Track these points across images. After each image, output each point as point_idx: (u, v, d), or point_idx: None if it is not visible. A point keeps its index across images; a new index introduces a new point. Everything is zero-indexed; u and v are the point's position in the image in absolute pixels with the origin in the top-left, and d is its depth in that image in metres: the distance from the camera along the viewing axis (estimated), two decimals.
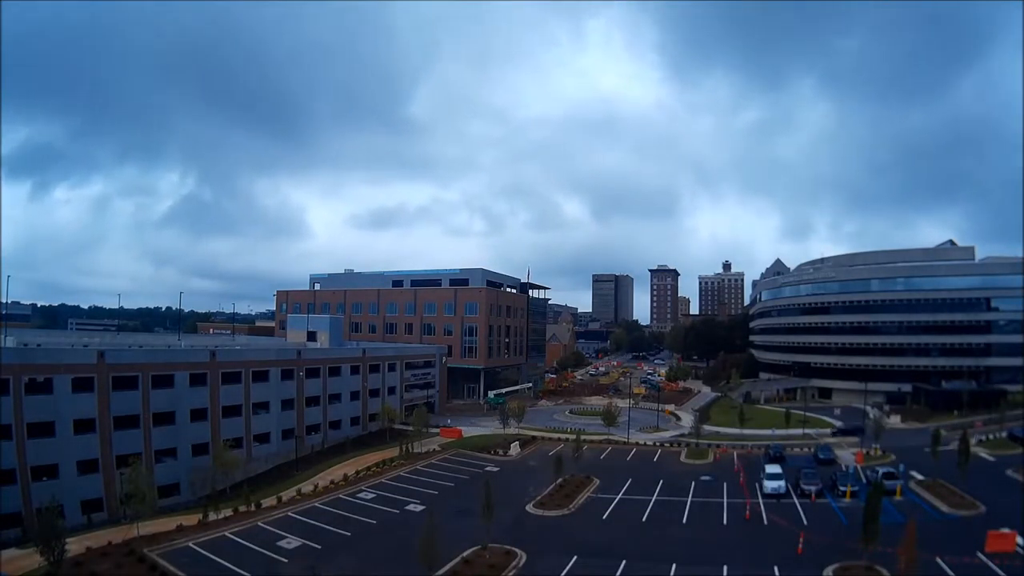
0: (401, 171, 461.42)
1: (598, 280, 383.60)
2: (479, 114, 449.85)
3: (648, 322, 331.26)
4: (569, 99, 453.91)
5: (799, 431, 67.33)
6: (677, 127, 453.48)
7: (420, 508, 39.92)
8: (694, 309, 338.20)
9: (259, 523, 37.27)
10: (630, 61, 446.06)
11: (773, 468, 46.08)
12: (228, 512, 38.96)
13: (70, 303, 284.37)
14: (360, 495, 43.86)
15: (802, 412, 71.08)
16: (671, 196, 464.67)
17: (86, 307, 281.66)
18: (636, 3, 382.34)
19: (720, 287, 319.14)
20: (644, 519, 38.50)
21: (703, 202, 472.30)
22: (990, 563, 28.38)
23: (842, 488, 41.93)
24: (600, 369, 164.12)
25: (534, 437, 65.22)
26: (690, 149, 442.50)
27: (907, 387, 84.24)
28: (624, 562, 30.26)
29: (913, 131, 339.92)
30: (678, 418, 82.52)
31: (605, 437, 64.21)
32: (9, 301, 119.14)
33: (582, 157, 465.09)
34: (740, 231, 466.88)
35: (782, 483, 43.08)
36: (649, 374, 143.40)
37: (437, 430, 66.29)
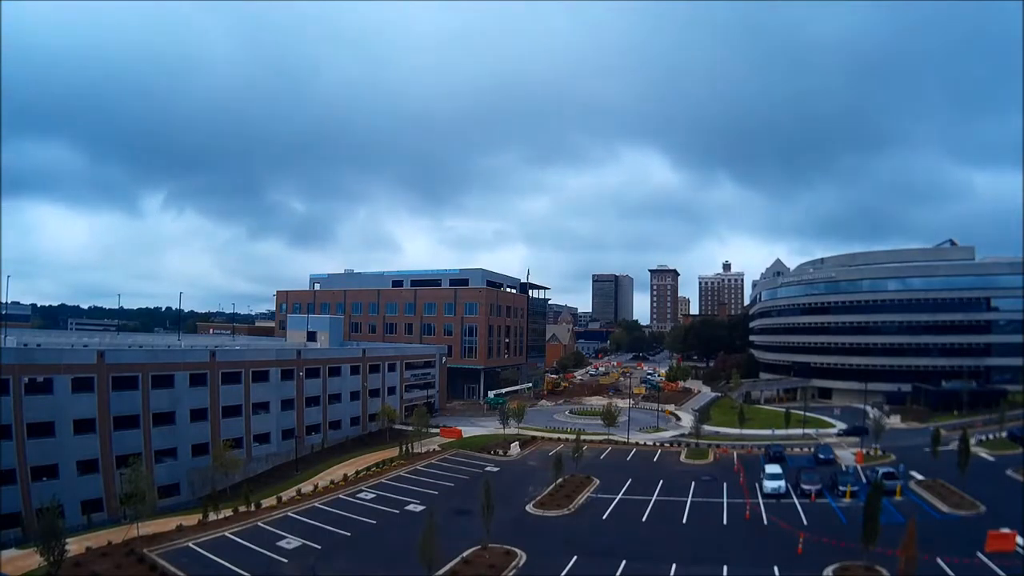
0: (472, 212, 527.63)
1: (598, 280, 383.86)
2: (537, 191, 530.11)
3: (648, 322, 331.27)
4: (604, 181, 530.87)
5: (799, 431, 67.34)
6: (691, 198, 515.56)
7: (420, 508, 39.92)
8: (694, 309, 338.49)
9: (259, 523, 37.26)
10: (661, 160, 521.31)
11: (773, 468, 46.04)
12: (228, 512, 38.92)
13: (70, 303, 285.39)
14: (360, 495, 43.85)
15: (802, 412, 71.07)
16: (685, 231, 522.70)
17: (86, 307, 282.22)
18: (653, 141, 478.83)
19: (720, 287, 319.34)
20: (644, 519, 38.48)
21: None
22: (990, 563, 28.38)
23: (842, 488, 41.89)
24: (600, 369, 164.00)
25: (534, 437, 65.20)
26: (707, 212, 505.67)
27: (907, 387, 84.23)
28: (624, 562, 30.26)
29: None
30: (678, 418, 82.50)
31: (605, 437, 64.18)
32: (9, 301, 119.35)
33: (613, 214, 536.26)
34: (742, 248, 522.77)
35: (782, 483, 43.06)
36: (649, 374, 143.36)
37: (437, 430, 66.25)
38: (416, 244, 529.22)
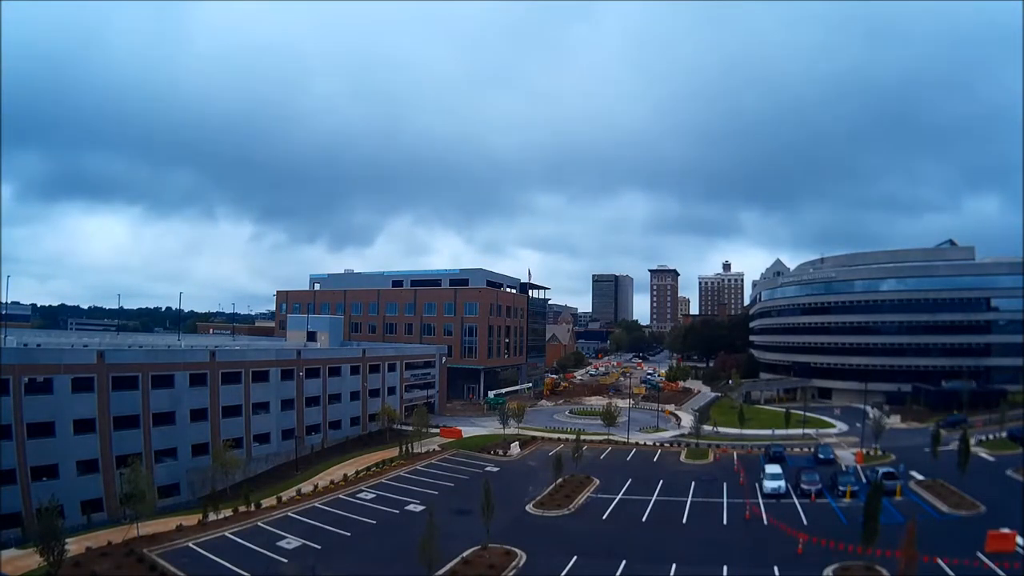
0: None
1: (598, 280, 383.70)
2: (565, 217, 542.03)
3: (648, 322, 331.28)
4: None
5: (799, 431, 67.35)
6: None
7: (420, 508, 39.90)
8: (694, 309, 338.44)
9: (259, 523, 37.27)
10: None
11: (773, 468, 46.07)
12: (228, 512, 38.92)
13: (70, 303, 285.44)
14: (360, 495, 43.87)
15: (802, 412, 71.09)
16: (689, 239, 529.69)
17: (86, 307, 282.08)
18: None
19: (720, 287, 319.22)
20: (644, 519, 38.51)
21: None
22: (990, 563, 28.38)
23: (842, 488, 41.92)
24: (600, 369, 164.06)
25: (534, 437, 65.22)
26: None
27: (907, 387, 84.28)
28: (624, 562, 30.27)
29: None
30: (678, 418, 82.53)
31: (605, 437, 64.21)
32: (9, 301, 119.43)
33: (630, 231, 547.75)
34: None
35: (782, 483, 43.10)
36: (649, 374, 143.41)
37: (437, 430, 66.23)
38: (443, 250, 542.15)
